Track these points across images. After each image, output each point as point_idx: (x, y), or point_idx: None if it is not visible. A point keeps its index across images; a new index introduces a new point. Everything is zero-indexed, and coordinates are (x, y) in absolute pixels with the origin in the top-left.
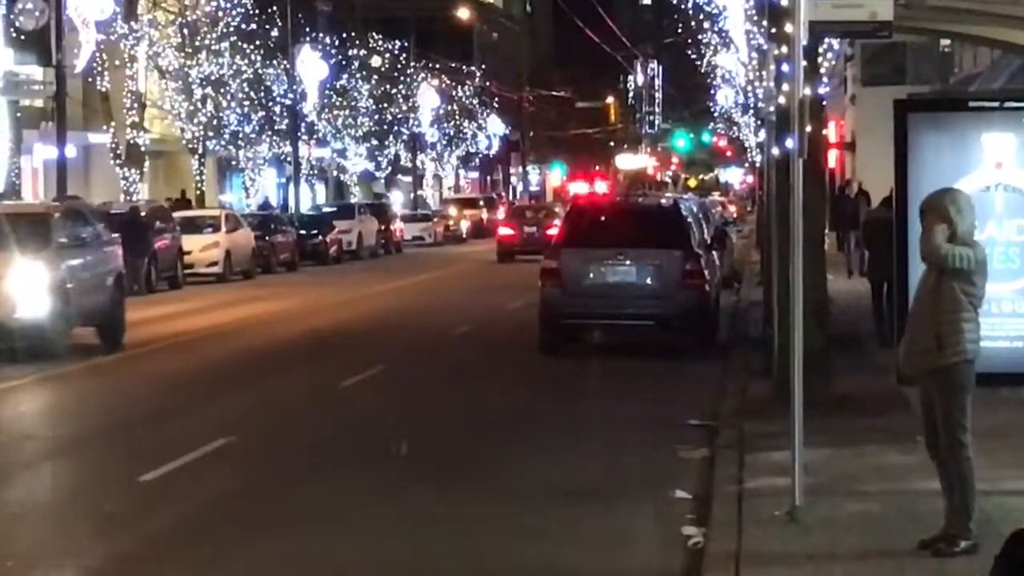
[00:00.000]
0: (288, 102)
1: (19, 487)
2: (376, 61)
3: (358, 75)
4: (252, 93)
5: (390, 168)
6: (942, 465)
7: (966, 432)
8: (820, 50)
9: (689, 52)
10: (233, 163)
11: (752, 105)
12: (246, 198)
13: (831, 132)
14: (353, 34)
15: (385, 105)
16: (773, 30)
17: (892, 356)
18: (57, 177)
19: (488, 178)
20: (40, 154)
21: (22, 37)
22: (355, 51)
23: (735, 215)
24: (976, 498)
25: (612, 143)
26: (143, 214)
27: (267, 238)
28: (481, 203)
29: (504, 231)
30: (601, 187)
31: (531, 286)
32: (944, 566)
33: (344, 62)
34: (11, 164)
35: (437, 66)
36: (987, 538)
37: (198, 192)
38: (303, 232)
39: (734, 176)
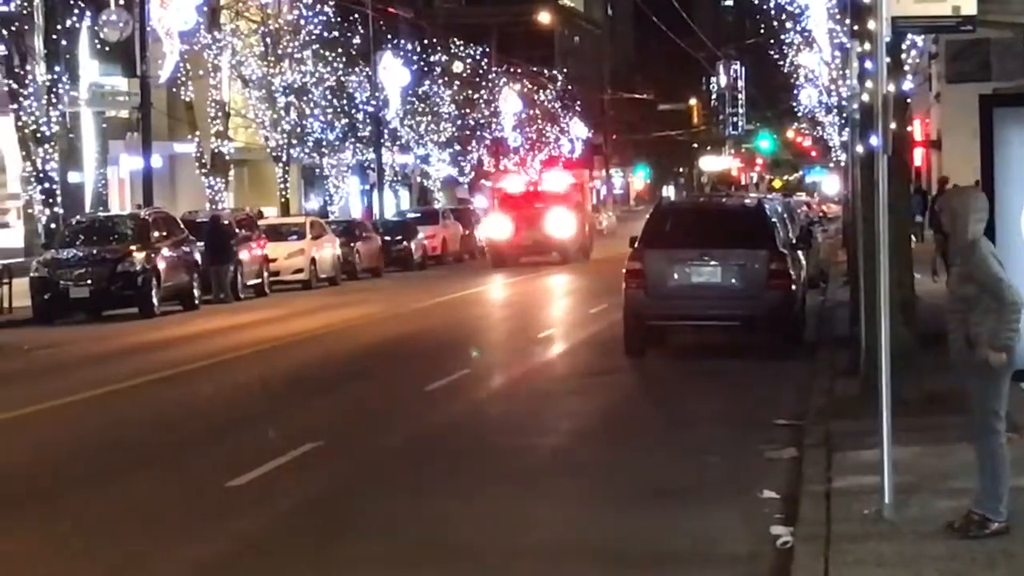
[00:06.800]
0: (370, 109)
1: (108, 493)
2: (458, 67)
3: (440, 81)
4: (335, 101)
5: (473, 173)
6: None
7: (1000, 419)
8: (904, 47)
9: (772, 52)
10: (317, 171)
11: (836, 104)
12: (330, 205)
13: (916, 130)
14: (434, 40)
15: (467, 110)
16: (856, 27)
17: None
18: (143, 187)
19: None
20: (126, 165)
21: (107, 49)
22: (436, 57)
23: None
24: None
25: (695, 145)
26: (226, 222)
27: (352, 245)
28: None
29: None
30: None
31: (613, 288)
32: None
33: (426, 68)
34: (98, 175)
35: (519, 70)
36: None
37: (283, 200)
38: (388, 238)
39: (821, 177)
